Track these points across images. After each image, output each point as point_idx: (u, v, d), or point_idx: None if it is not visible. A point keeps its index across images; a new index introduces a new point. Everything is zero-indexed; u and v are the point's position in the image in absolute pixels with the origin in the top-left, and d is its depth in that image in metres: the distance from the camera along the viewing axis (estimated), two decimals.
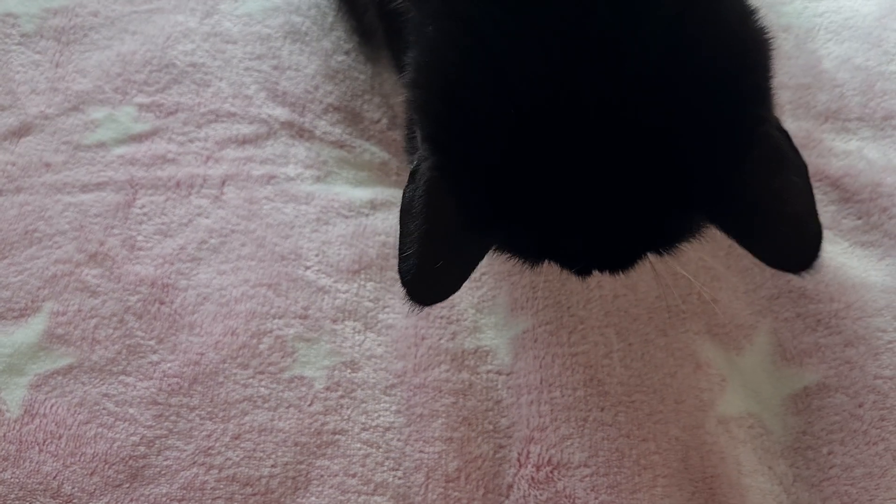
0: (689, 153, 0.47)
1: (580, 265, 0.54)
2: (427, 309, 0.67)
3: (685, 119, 0.47)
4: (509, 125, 0.47)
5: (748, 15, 0.51)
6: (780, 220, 0.48)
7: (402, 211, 0.51)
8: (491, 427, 0.64)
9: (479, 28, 0.48)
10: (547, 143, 0.47)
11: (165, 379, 0.64)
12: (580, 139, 0.47)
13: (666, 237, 0.53)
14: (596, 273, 0.55)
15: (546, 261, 0.55)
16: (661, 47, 0.46)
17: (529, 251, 0.54)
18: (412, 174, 0.51)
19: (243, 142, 0.75)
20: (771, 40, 0.51)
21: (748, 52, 0.49)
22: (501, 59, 0.47)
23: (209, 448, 0.62)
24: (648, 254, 0.54)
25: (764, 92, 0.50)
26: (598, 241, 0.52)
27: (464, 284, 0.54)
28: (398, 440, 0.63)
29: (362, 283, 0.69)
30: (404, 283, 0.50)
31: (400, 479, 0.62)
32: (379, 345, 0.67)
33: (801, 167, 0.49)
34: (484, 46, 0.48)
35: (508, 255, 0.55)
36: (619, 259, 0.54)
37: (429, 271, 0.50)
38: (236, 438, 0.63)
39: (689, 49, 0.47)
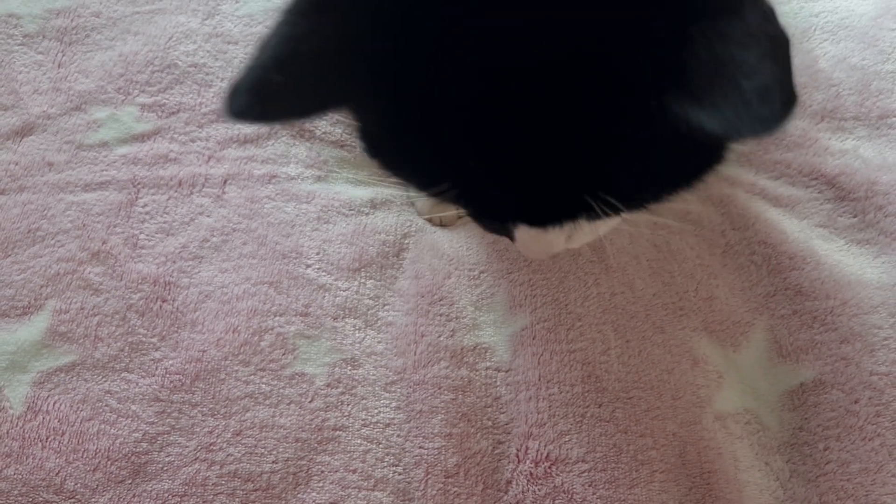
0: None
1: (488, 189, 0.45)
2: (425, 306, 0.68)
3: None
4: None
5: None
6: (740, 72, 0.38)
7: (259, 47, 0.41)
8: (490, 423, 0.64)
9: None
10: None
11: (167, 376, 0.65)
12: None
13: (601, 152, 0.42)
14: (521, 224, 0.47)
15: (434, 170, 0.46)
16: None
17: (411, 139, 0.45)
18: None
19: (244, 141, 0.75)
20: None
21: None
22: None
23: (211, 444, 0.63)
24: (591, 198, 0.44)
25: None
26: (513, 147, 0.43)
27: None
28: (398, 436, 0.64)
29: (363, 280, 0.69)
30: (230, 89, 0.39)
31: (400, 474, 0.63)
32: (379, 342, 0.67)
33: (781, 34, 0.40)
34: None
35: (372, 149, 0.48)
36: (546, 192, 0.44)
37: (264, 81, 0.39)
38: (238, 435, 0.63)
39: None
